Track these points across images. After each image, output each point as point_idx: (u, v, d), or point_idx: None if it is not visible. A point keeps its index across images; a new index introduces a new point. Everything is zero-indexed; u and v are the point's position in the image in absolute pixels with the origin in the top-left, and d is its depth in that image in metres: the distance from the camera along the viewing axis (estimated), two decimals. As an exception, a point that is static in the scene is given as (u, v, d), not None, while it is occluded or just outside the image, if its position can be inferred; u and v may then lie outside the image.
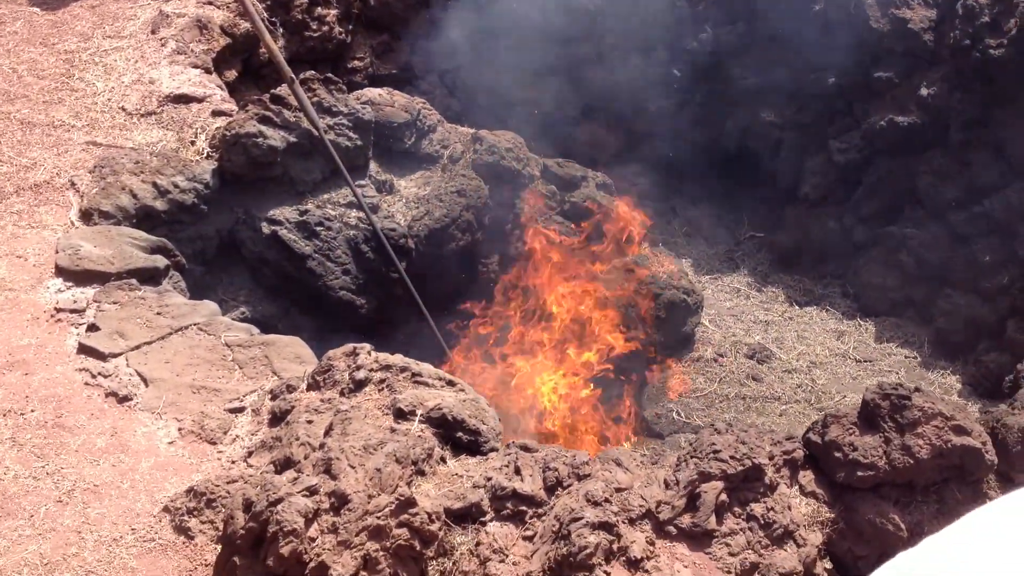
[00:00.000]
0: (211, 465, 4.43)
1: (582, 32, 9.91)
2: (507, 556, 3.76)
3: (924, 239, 8.40)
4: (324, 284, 6.79)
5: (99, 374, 4.83)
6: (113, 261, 5.58)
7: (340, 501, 3.64)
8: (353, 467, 3.78)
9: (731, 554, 3.91)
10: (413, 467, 3.94)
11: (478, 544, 3.79)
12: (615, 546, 3.74)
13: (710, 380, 7.63)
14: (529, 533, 3.88)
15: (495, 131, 7.89)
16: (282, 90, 6.76)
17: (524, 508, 3.94)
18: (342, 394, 4.50)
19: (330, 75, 7.17)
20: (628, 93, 9.77)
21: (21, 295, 5.33)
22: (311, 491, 3.66)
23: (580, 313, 7.42)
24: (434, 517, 3.73)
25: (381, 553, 3.56)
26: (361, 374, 4.53)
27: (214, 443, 4.56)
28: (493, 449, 4.32)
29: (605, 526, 3.74)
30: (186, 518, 4.08)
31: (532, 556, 3.78)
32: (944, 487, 4.25)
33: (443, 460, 4.17)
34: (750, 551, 3.94)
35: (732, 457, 4.07)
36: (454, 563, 3.75)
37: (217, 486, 4.15)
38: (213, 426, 4.62)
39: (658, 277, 7.70)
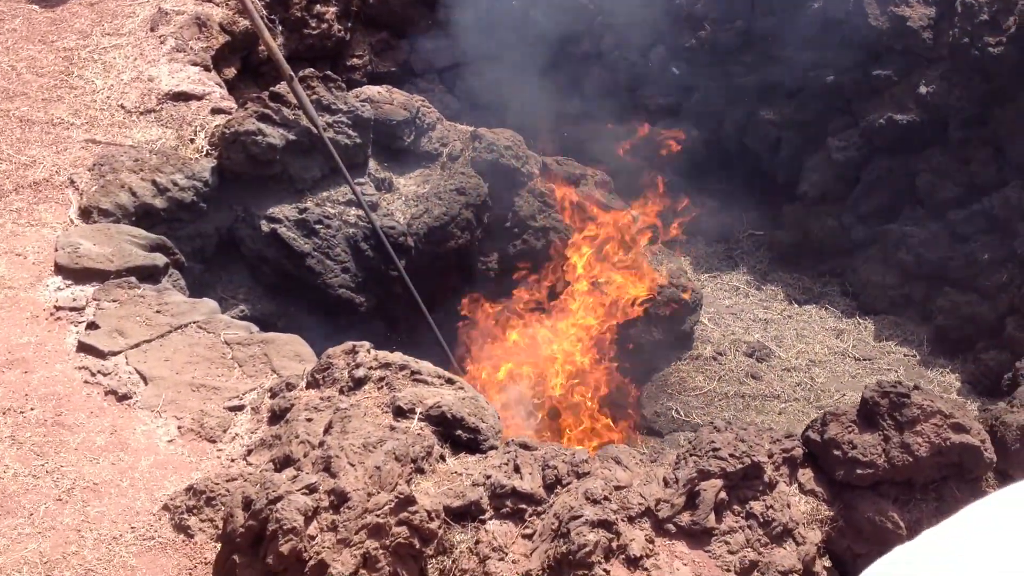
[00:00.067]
0: (211, 463, 4.43)
1: (581, 30, 9.91)
2: (506, 554, 3.77)
3: (923, 237, 8.40)
4: (323, 282, 6.79)
5: (99, 372, 4.83)
6: (112, 259, 5.58)
7: (340, 499, 3.64)
8: (353, 465, 3.78)
9: (730, 552, 3.92)
10: (412, 465, 3.95)
11: (477, 542, 3.79)
12: (614, 544, 3.74)
13: (709, 378, 7.64)
14: (528, 531, 3.89)
15: (494, 129, 7.89)
16: (281, 88, 6.76)
17: (523, 506, 3.94)
18: (341, 392, 4.50)
19: (329, 73, 7.17)
20: (627, 91, 9.77)
21: (20, 293, 5.33)
22: (311, 489, 3.67)
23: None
24: (433, 515, 3.74)
25: (381, 551, 3.57)
26: (360, 372, 4.53)
27: (214, 441, 4.56)
28: (492, 447, 4.32)
29: (604, 524, 3.75)
30: (186, 516, 4.08)
31: (531, 554, 3.78)
32: (943, 485, 4.26)
33: (442, 458, 4.18)
34: (749, 549, 3.94)
35: (731, 455, 4.08)
36: (453, 561, 3.75)
37: (217, 484, 4.15)
38: (213, 424, 4.62)
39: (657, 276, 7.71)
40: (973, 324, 8.00)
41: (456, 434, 4.30)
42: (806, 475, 4.33)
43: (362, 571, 3.52)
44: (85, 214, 6.03)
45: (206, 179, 6.48)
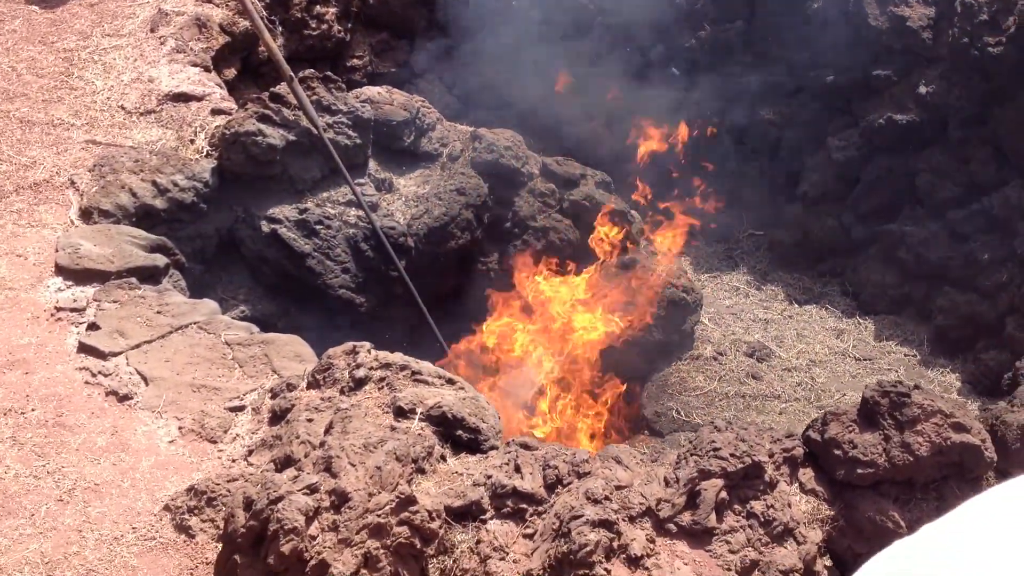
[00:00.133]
0: (211, 464, 4.43)
1: (581, 30, 9.92)
2: (507, 554, 3.77)
3: (923, 237, 8.40)
4: (323, 282, 6.79)
5: (99, 373, 4.83)
6: (113, 260, 5.58)
7: (341, 499, 3.64)
8: (353, 465, 3.78)
9: (731, 551, 3.92)
10: (413, 465, 3.95)
11: (478, 542, 3.79)
12: (615, 544, 3.74)
13: (710, 378, 7.64)
14: (529, 531, 3.89)
15: (494, 129, 7.89)
16: (281, 88, 6.76)
17: (524, 506, 3.95)
18: (342, 392, 4.50)
19: (329, 73, 7.17)
20: (627, 91, 9.77)
21: (21, 294, 5.33)
22: (312, 489, 3.67)
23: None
24: (434, 515, 3.74)
25: (382, 551, 3.57)
26: (361, 372, 4.53)
27: (214, 442, 4.56)
28: (493, 447, 4.33)
29: (605, 524, 3.75)
30: (187, 517, 4.08)
31: (532, 554, 3.78)
32: (944, 484, 4.26)
33: (443, 458, 4.18)
34: (750, 548, 3.94)
35: (732, 455, 4.08)
36: (454, 561, 3.75)
37: (218, 484, 4.16)
38: (213, 425, 4.63)
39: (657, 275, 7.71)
40: (973, 324, 8.00)
41: (457, 434, 4.30)
42: (807, 475, 4.34)
43: (363, 571, 3.52)
44: (85, 215, 6.03)
45: (206, 180, 6.48)
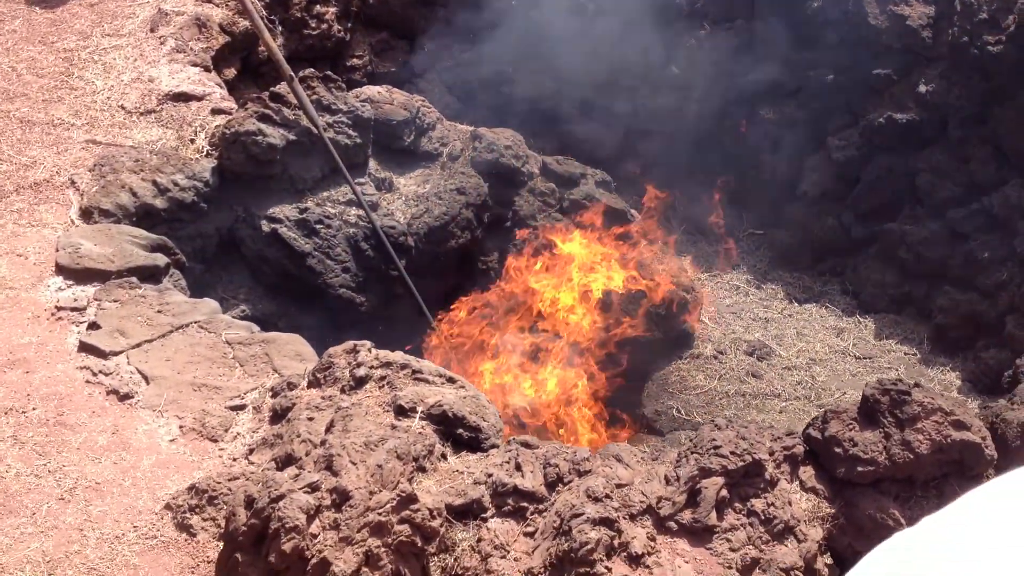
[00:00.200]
0: (212, 462, 4.44)
1: (580, 30, 9.91)
2: (508, 552, 3.78)
3: (923, 236, 8.40)
4: (324, 282, 6.80)
5: (100, 372, 4.83)
6: (113, 259, 5.59)
7: (342, 497, 3.65)
8: (354, 464, 3.79)
9: (732, 549, 3.93)
10: (414, 464, 3.95)
11: (479, 540, 3.80)
12: (616, 542, 3.75)
13: (710, 377, 7.64)
14: (530, 529, 3.89)
15: (494, 128, 7.90)
16: (281, 88, 6.77)
17: (525, 504, 3.95)
18: (343, 391, 4.51)
19: (329, 73, 7.18)
20: (627, 91, 9.77)
21: (22, 293, 5.33)
22: (313, 488, 3.67)
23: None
24: (435, 513, 3.74)
25: (383, 549, 3.57)
26: (362, 371, 4.54)
27: (215, 440, 4.56)
28: (494, 446, 4.33)
29: (606, 522, 3.75)
30: (188, 515, 4.09)
31: (533, 552, 3.79)
32: (944, 482, 4.26)
33: (444, 457, 4.18)
34: (751, 546, 3.95)
35: (732, 453, 4.08)
36: (455, 559, 3.76)
37: (219, 483, 4.16)
38: (214, 424, 4.63)
39: (658, 274, 7.71)
40: (973, 322, 8.00)
41: (457, 433, 4.30)
42: (807, 473, 4.34)
43: (364, 569, 3.53)
44: (86, 214, 6.04)
45: (206, 179, 6.49)
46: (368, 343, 4.79)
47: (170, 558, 3.95)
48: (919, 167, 8.56)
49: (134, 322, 5.17)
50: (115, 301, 5.31)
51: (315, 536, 3.56)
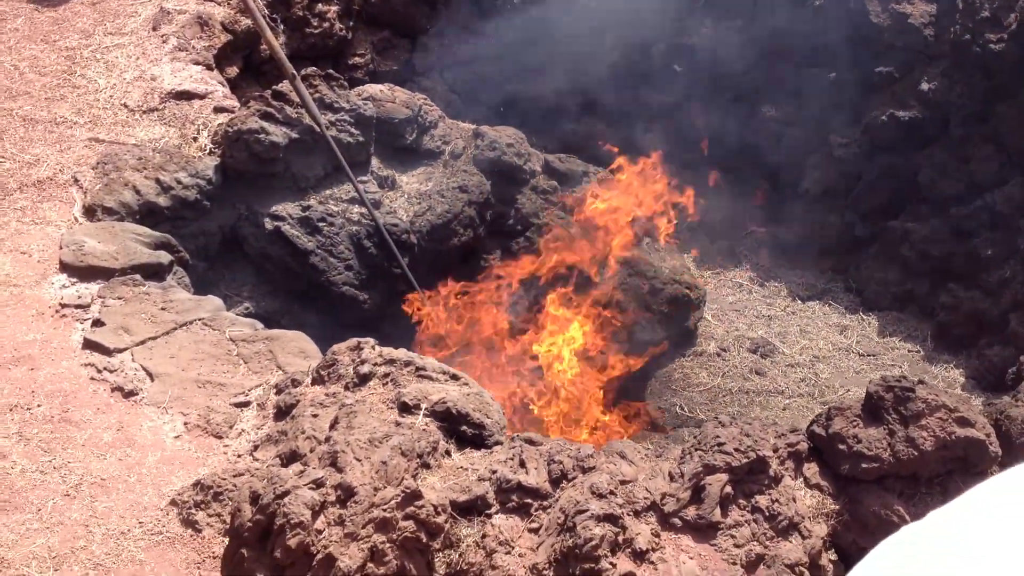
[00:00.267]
0: (217, 459, 4.44)
1: (583, 29, 9.91)
2: (513, 548, 3.78)
3: (926, 233, 8.41)
4: (327, 279, 6.80)
5: (105, 369, 4.84)
6: (117, 257, 5.59)
7: (346, 494, 3.65)
8: (359, 460, 3.79)
9: (736, 545, 3.93)
10: (418, 460, 3.96)
11: (484, 536, 3.80)
12: (620, 538, 3.75)
13: (713, 374, 7.65)
14: (535, 525, 3.90)
15: (496, 127, 7.90)
16: (284, 86, 6.77)
17: (529, 501, 3.95)
18: (347, 388, 4.51)
19: (331, 71, 7.18)
20: (629, 89, 9.77)
21: (26, 291, 5.34)
22: (317, 484, 3.68)
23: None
24: (440, 510, 3.74)
25: (388, 545, 3.58)
26: (365, 368, 4.54)
27: (220, 437, 4.57)
28: (498, 442, 4.33)
29: (610, 518, 3.76)
30: (193, 511, 4.09)
31: (538, 548, 3.79)
32: (948, 479, 4.26)
33: (448, 453, 4.18)
34: (755, 543, 3.95)
35: (736, 450, 4.09)
36: (460, 555, 3.76)
37: (224, 479, 4.16)
38: (219, 420, 4.63)
39: (660, 272, 7.71)
40: (976, 320, 8.00)
41: (461, 429, 4.30)
42: (811, 469, 4.34)
43: (369, 565, 3.53)
44: (89, 212, 6.04)
45: (209, 177, 6.49)
46: (372, 340, 4.80)
47: (176, 554, 3.96)
48: (921, 165, 8.56)
49: (138, 319, 5.18)
50: (119, 298, 5.32)
51: (320, 532, 3.56)
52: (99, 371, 4.82)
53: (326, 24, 9.12)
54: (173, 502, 4.15)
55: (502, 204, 7.71)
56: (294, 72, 6.66)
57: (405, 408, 4.31)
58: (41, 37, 7.61)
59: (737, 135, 9.60)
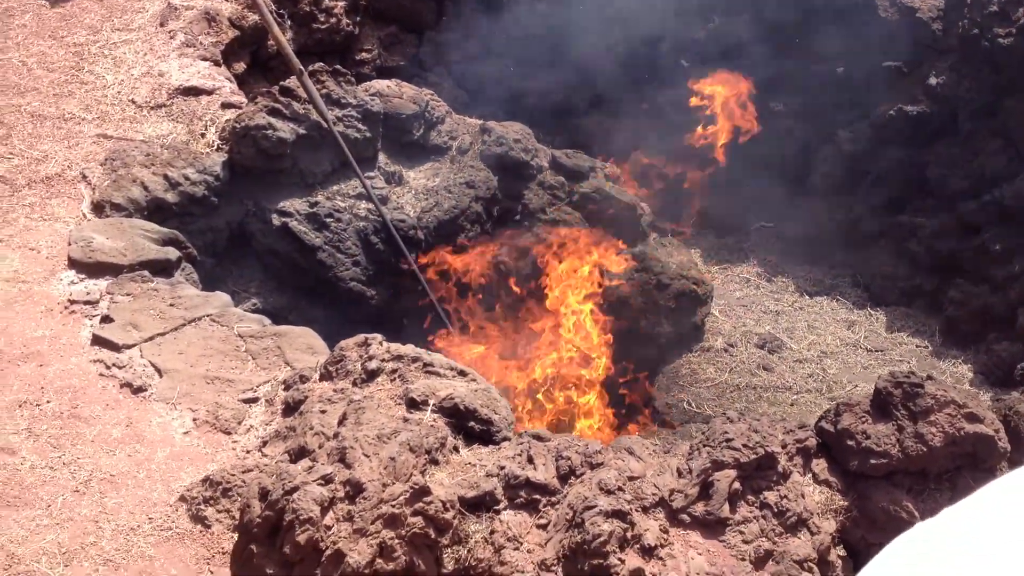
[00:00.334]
0: (226, 455, 4.45)
1: (590, 23, 9.90)
2: (521, 544, 3.78)
3: (934, 228, 8.38)
4: (334, 275, 6.81)
5: (113, 365, 4.85)
6: (125, 253, 5.60)
7: (355, 490, 3.65)
8: (367, 456, 3.79)
9: (745, 542, 3.93)
10: (427, 456, 3.96)
11: (492, 532, 3.80)
12: (629, 534, 3.75)
13: (720, 370, 7.63)
14: (543, 521, 3.90)
15: (503, 122, 7.89)
16: (291, 82, 6.77)
17: (538, 497, 3.95)
18: (355, 384, 4.52)
19: (338, 67, 7.18)
20: (636, 83, 9.76)
21: (35, 287, 5.35)
22: (326, 480, 3.68)
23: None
24: (448, 505, 3.75)
25: (396, 541, 3.58)
26: (373, 364, 4.54)
27: (229, 433, 4.58)
28: (506, 438, 4.33)
29: (618, 514, 3.76)
30: (202, 507, 4.10)
31: (546, 544, 3.79)
32: (957, 475, 4.26)
33: (456, 449, 4.19)
34: (764, 539, 3.95)
35: (745, 446, 4.08)
36: (469, 551, 3.76)
37: (233, 475, 4.17)
38: (227, 416, 4.64)
39: (668, 267, 7.70)
40: (985, 315, 7.97)
41: (469, 425, 4.30)
42: (820, 465, 4.34)
43: (378, 561, 3.54)
44: (97, 208, 6.05)
45: (217, 173, 6.50)
46: (379, 336, 4.80)
47: (185, 549, 3.97)
48: (929, 160, 8.54)
49: (147, 315, 5.19)
50: (128, 295, 5.33)
51: (329, 528, 3.57)
52: (108, 367, 4.83)
53: (333, 19, 9.12)
54: (182, 498, 4.16)
55: (509, 199, 7.71)
56: (301, 68, 6.67)
57: (413, 404, 4.31)
58: (49, 33, 7.62)
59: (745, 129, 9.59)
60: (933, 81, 8.41)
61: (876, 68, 8.74)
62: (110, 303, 5.26)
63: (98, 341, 4.99)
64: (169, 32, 7.68)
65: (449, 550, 3.76)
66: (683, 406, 7.31)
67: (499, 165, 7.60)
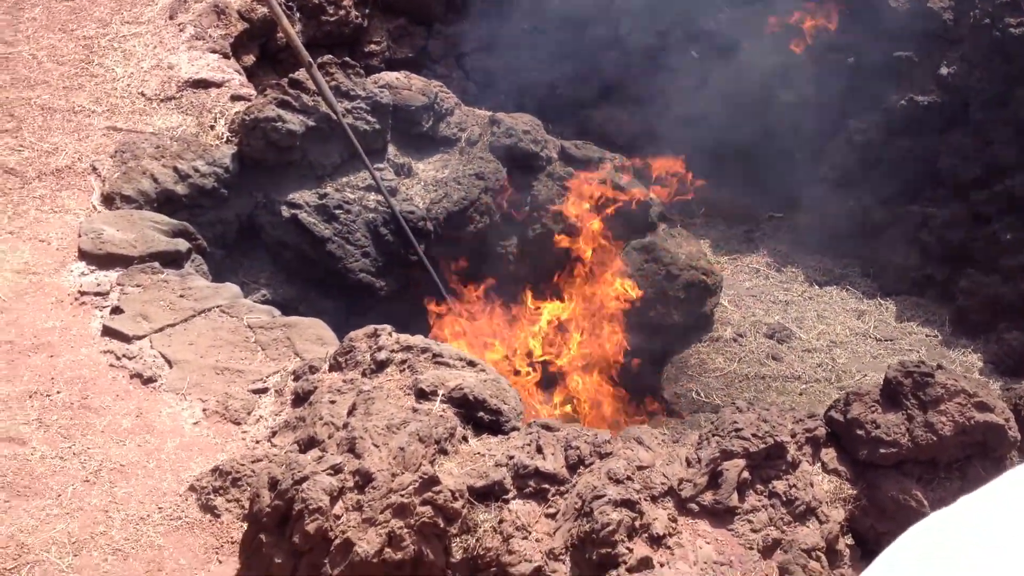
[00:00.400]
0: (236, 445, 4.46)
1: (599, 14, 9.89)
2: (530, 533, 3.78)
3: (945, 218, 8.36)
4: (344, 267, 6.82)
5: (124, 356, 4.87)
6: (136, 245, 5.62)
7: (364, 479, 3.66)
8: (377, 446, 3.80)
9: (753, 531, 3.92)
10: (436, 446, 3.96)
11: (501, 521, 3.81)
12: (637, 523, 3.75)
13: (729, 360, 7.63)
14: (552, 510, 3.90)
15: (512, 114, 7.89)
16: (300, 74, 6.78)
17: (546, 486, 3.95)
18: (364, 375, 4.52)
19: (347, 59, 7.18)
20: (645, 74, 9.74)
21: (45, 279, 5.37)
22: (336, 469, 3.69)
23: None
24: (457, 495, 3.75)
25: (405, 530, 3.59)
26: (382, 355, 4.55)
27: (238, 423, 4.59)
28: (515, 428, 4.34)
29: (627, 503, 3.76)
30: (212, 497, 4.12)
31: (555, 533, 3.79)
32: (967, 464, 4.24)
33: (465, 439, 4.19)
34: (772, 528, 3.94)
35: (754, 435, 4.08)
36: (477, 540, 3.77)
37: (242, 465, 4.19)
38: (237, 407, 4.66)
39: (677, 258, 7.70)
40: (995, 304, 7.95)
41: (478, 416, 4.31)
42: (829, 454, 4.33)
43: (387, 550, 3.54)
44: (107, 200, 6.07)
45: (227, 165, 6.51)
46: (389, 327, 4.80)
47: (194, 539, 3.98)
48: (940, 149, 8.51)
49: (157, 307, 5.20)
50: (138, 286, 5.35)
51: (338, 517, 3.57)
52: (118, 358, 4.85)
53: (342, 12, 9.12)
54: (192, 488, 4.18)
55: (518, 191, 7.70)
56: (310, 60, 6.67)
57: (422, 394, 4.32)
58: (59, 26, 7.64)
59: (755, 120, 9.56)
60: (944, 71, 8.38)
61: (887, 58, 8.70)
62: (120, 294, 5.28)
63: (108, 332, 5.01)
64: (178, 25, 7.69)
65: (458, 539, 3.77)
66: (692, 396, 7.31)
67: (508, 156, 7.59)
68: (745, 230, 9.53)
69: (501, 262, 7.68)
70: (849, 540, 4.20)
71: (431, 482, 3.70)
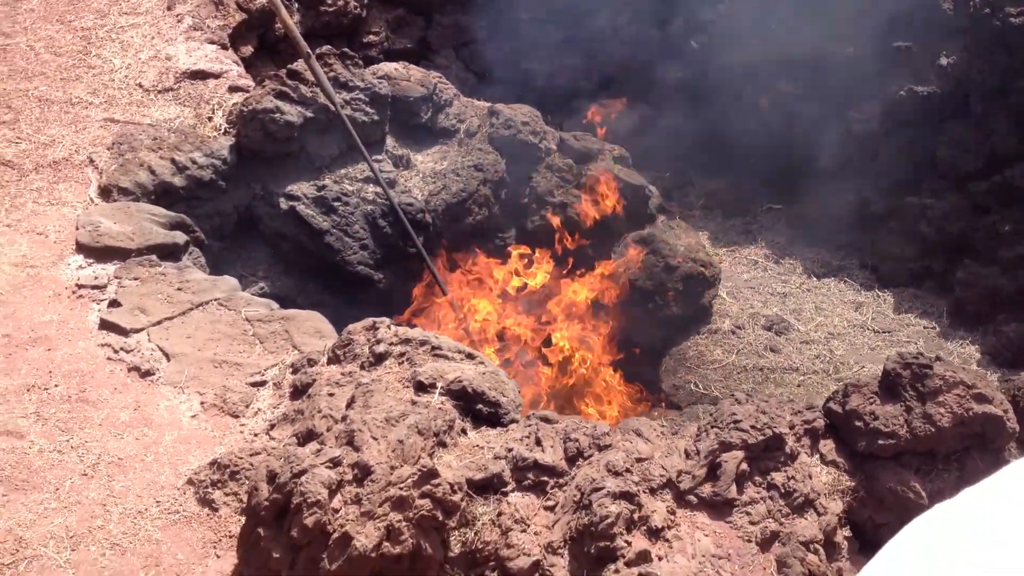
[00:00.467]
0: (234, 438, 4.46)
1: (598, 5, 9.87)
2: (529, 526, 3.79)
3: (943, 209, 8.34)
4: (342, 259, 6.81)
5: (121, 349, 4.86)
6: (133, 237, 5.61)
7: (363, 472, 3.66)
8: (375, 439, 3.80)
9: (752, 523, 3.93)
10: (435, 439, 3.96)
11: (500, 514, 3.81)
12: (636, 515, 3.75)
13: (728, 352, 7.62)
14: (550, 503, 3.90)
15: (511, 105, 7.87)
16: (298, 65, 6.76)
17: (545, 478, 3.96)
18: (363, 367, 4.52)
19: (346, 50, 7.16)
20: (645, 66, 9.72)
21: (42, 272, 5.36)
22: (334, 463, 3.69)
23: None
24: (456, 488, 3.75)
25: (404, 523, 3.59)
26: (381, 348, 4.55)
27: (236, 416, 4.59)
28: (513, 421, 4.34)
29: (626, 496, 3.76)
30: (210, 490, 4.11)
31: (554, 526, 3.79)
32: (965, 455, 4.25)
33: (464, 432, 4.19)
34: (771, 519, 3.95)
35: (752, 427, 4.08)
36: (476, 533, 3.77)
37: (240, 458, 4.18)
38: (235, 400, 4.65)
39: (676, 250, 7.69)
40: (993, 296, 7.94)
41: (477, 408, 4.31)
42: (827, 446, 4.33)
43: (385, 543, 3.54)
44: (105, 193, 6.06)
45: (224, 157, 6.50)
46: (387, 320, 4.80)
47: (192, 533, 3.98)
48: (940, 140, 8.49)
49: (154, 300, 5.20)
50: (135, 279, 5.34)
51: (337, 511, 3.57)
52: (116, 351, 4.84)
53: (340, 2, 9.10)
54: (190, 481, 4.17)
55: (517, 182, 7.69)
56: (309, 51, 6.65)
57: (421, 387, 4.32)
58: (56, 17, 7.61)
59: (754, 111, 9.55)
60: (944, 61, 8.36)
61: (886, 48, 8.68)
62: (118, 287, 5.27)
63: (106, 325, 5.00)
64: (176, 15, 7.67)
65: (456, 532, 3.77)
66: (690, 387, 7.31)
67: (507, 148, 7.58)
68: (743, 222, 9.52)
69: (500, 254, 7.67)
70: (847, 532, 4.20)
71: (430, 475, 3.69)
